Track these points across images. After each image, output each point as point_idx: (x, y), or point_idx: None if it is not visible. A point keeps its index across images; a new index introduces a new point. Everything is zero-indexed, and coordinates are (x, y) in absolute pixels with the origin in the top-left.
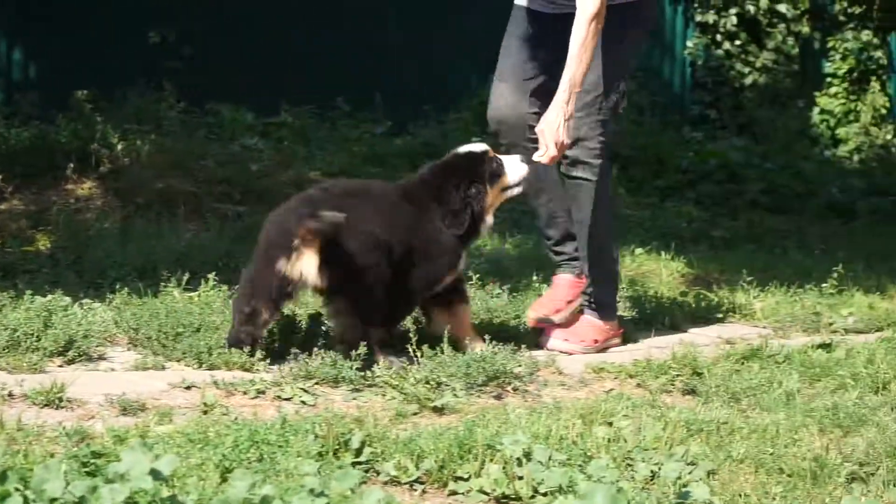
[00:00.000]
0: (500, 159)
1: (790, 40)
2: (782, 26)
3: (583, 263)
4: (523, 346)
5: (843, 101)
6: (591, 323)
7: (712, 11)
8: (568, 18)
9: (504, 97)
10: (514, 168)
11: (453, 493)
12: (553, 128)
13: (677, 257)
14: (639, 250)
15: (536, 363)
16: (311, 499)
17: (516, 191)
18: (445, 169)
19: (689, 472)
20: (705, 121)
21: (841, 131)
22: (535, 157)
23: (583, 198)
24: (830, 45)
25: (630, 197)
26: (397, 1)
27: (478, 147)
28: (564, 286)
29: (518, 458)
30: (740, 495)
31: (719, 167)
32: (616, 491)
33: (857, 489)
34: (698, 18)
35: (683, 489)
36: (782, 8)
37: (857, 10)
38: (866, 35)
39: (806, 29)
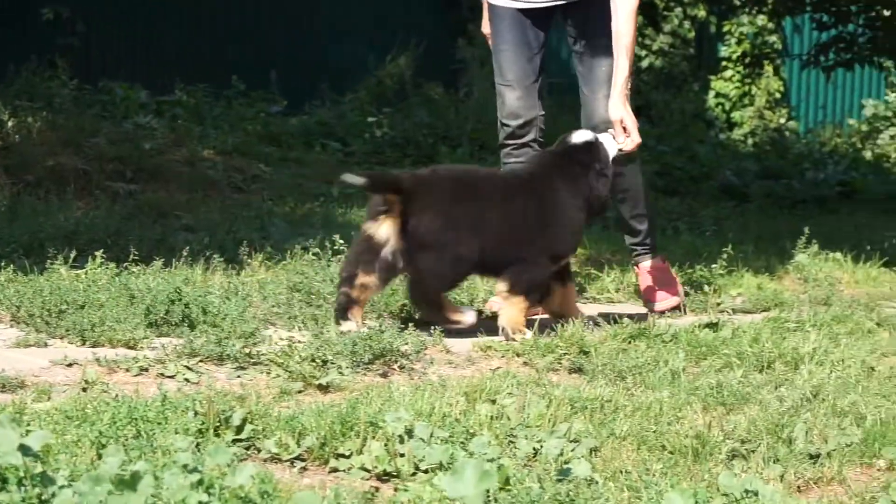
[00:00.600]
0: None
1: (686, 24)
2: (679, 10)
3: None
4: (410, 324)
5: (738, 84)
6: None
7: None
8: (559, 8)
9: (521, 100)
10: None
11: (334, 469)
12: (630, 115)
13: None
14: None
15: (424, 341)
16: (184, 475)
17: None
18: (582, 152)
19: (572, 450)
20: None
21: (736, 115)
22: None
23: None
24: (726, 28)
25: None
26: None
27: (592, 135)
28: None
29: (400, 436)
30: (622, 472)
31: None
32: (497, 468)
33: (737, 465)
34: None
35: (565, 466)
36: None
37: None
38: (761, 19)
39: (702, 13)
